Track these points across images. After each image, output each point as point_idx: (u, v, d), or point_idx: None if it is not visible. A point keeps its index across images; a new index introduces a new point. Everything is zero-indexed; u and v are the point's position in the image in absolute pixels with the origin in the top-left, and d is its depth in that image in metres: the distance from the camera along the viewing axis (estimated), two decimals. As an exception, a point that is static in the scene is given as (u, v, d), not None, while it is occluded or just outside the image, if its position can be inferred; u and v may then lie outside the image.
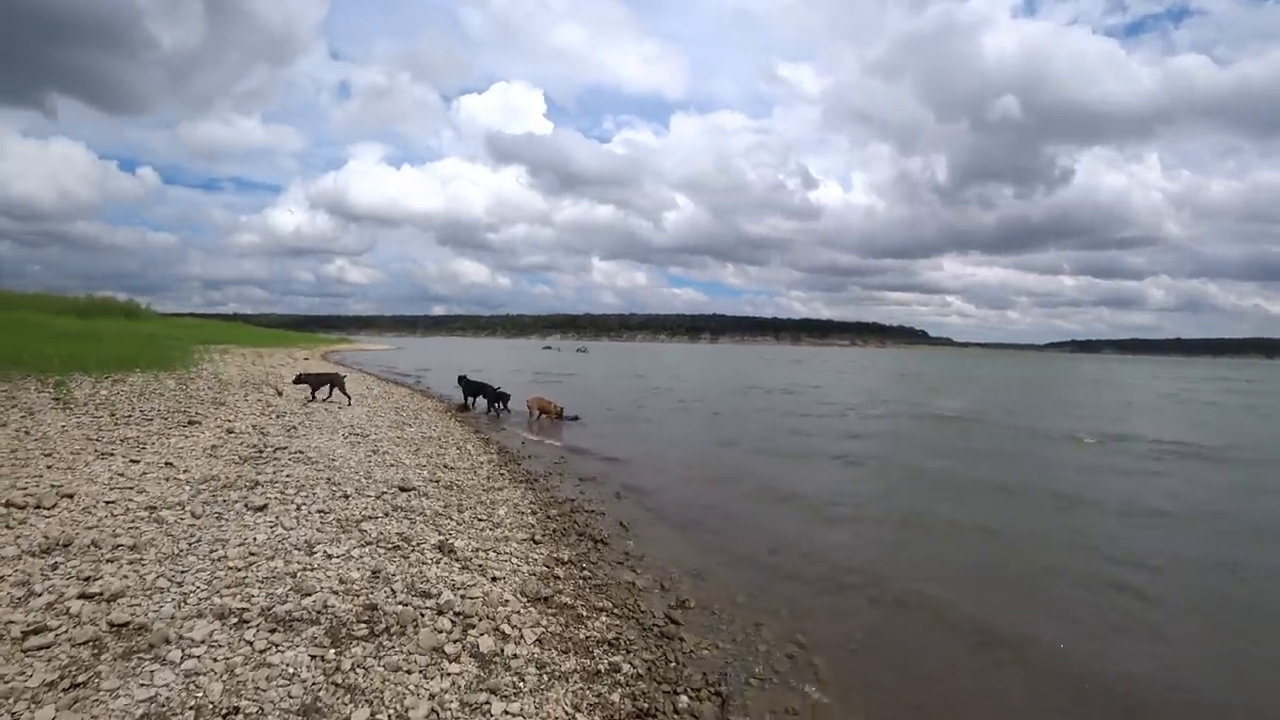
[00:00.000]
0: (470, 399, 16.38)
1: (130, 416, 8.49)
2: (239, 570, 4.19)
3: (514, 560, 5.17)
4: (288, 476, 6.49)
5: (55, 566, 4.06)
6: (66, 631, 3.35)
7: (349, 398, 13.07)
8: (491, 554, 5.21)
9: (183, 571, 4.09)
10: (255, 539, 4.74)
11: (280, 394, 12.55)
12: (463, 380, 16.52)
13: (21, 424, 7.47)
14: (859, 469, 10.24)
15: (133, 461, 6.48)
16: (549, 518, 6.68)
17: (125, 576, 3.97)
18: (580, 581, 5.01)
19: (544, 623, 4.11)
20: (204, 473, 6.33)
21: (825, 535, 6.77)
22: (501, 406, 15.84)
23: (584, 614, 4.39)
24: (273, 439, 8.18)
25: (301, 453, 7.57)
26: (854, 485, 9.03)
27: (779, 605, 5.02)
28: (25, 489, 5.36)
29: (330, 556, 4.58)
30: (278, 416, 9.98)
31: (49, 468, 6.04)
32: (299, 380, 12.77)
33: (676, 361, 61.59)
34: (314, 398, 12.67)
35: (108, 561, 4.17)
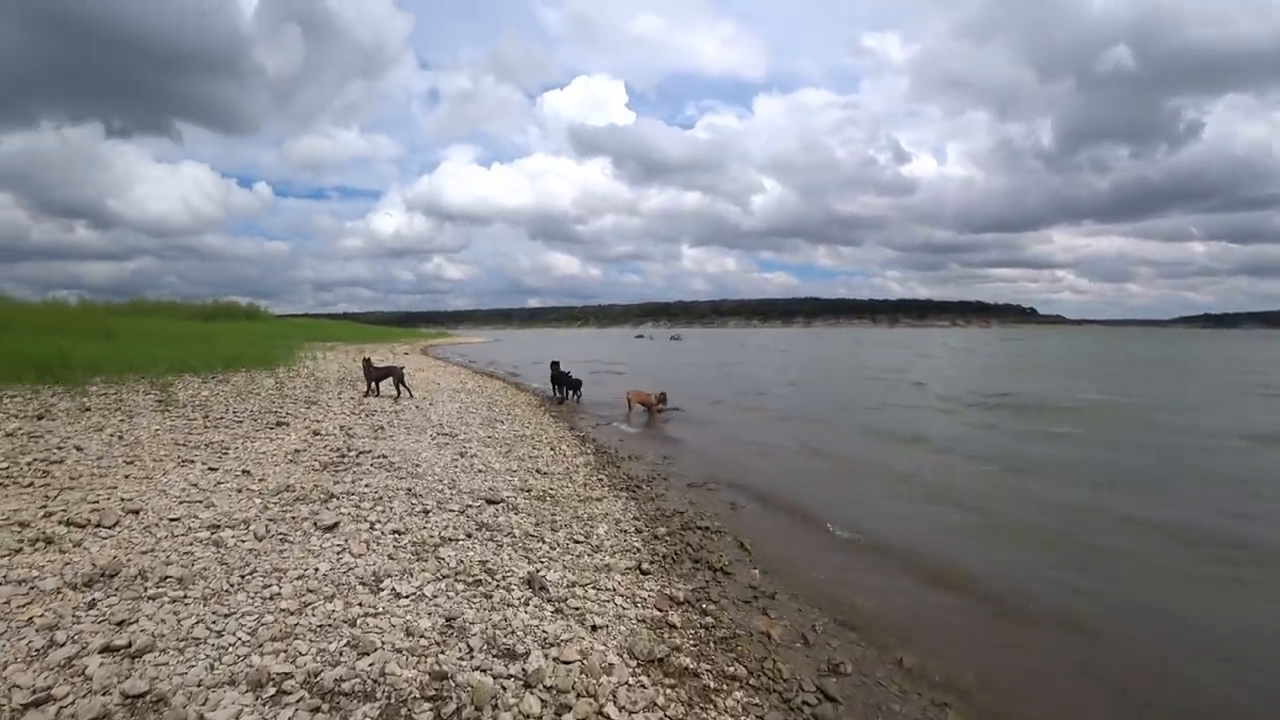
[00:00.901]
0: (557, 388, 16.22)
1: (222, 418, 8.27)
2: (291, 614, 3.45)
3: (618, 600, 4.20)
4: (366, 487, 5.85)
5: (92, 605, 3.47)
6: (72, 703, 2.67)
7: (409, 391, 12.49)
8: (590, 590, 4.27)
9: (227, 615, 3.39)
10: (317, 570, 4.02)
11: (376, 391, 12.33)
12: (554, 369, 16.18)
13: (118, 428, 7.32)
14: (1000, 499, 7.68)
15: (210, 469, 6.05)
16: (656, 537, 5.69)
17: (162, 620, 3.31)
18: (702, 631, 3.97)
19: (660, 700, 3.10)
20: (280, 481, 5.80)
21: (982, 597, 5.26)
22: (574, 394, 15.85)
23: (712, 685, 3.34)
24: (357, 441, 7.68)
25: (384, 457, 6.98)
26: (1000, 522, 6.87)
27: (962, 674, 3.78)
28: (95, 503, 4.96)
29: (399, 595, 3.78)
30: (367, 415, 9.60)
31: (126, 477, 5.69)
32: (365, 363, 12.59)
33: (772, 347, 59.01)
34: (374, 390, 12.17)
35: (149, 599, 3.54)
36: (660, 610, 4.14)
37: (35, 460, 5.93)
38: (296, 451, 6.94)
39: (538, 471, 7.40)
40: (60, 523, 4.55)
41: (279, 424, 8.22)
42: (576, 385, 15.97)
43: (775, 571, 5.25)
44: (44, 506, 4.85)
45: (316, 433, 7.93)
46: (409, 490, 5.84)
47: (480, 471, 6.94)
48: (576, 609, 3.92)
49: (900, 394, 18.59)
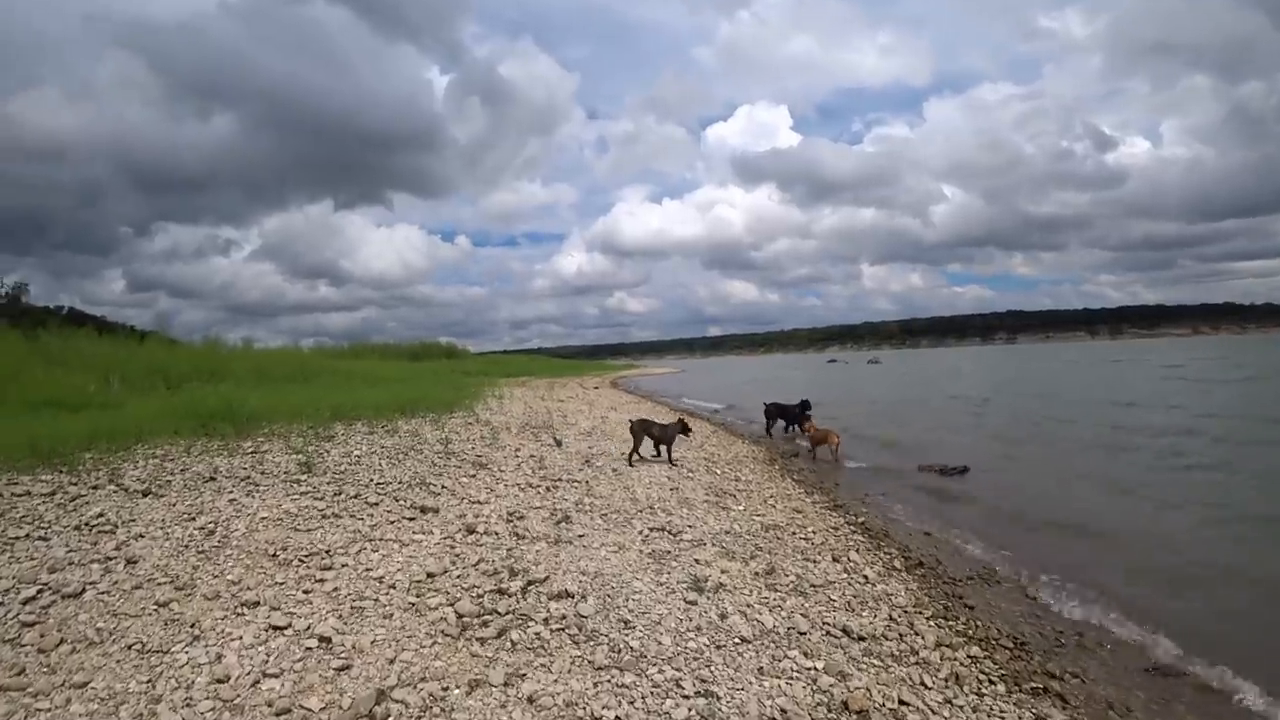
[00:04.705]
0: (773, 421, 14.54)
1: (357, 497, 5.83)
2: None
3: None
4: (528, 700, 2.74)
5: None
6: None
7: (669, 457, 9.03)
8: None
9: None
10: None
11: (559, 444, 9.64)
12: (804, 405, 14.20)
13: (218, 514, 5.09)
14: None
15: (275, 628, 3.35)
16: None
17: None
18: None
19: None
20: (374, 680, 2.90)
21: None
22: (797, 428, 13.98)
23: None
24: (529, 550, 4.73)
25: (569, 596, 3.89)
26: None
27: None
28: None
29: None
30: (548, 489, 6.74)
31: (129, 649, 3.15)
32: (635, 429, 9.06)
33: (990, 371, 47.95)
34: (639, 453, 8.92)
35: None
36: None
37: (46, 590, 3.68)
38: (429, 577, 4.10)
39: (846, 634, 3.83)
40: None
41: (423, 510, 5.55)
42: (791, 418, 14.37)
43: None
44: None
45: (471, 529, 5.11)
46: (618, 728, 2.60)
47: (744, 641, 3.55)
48: None
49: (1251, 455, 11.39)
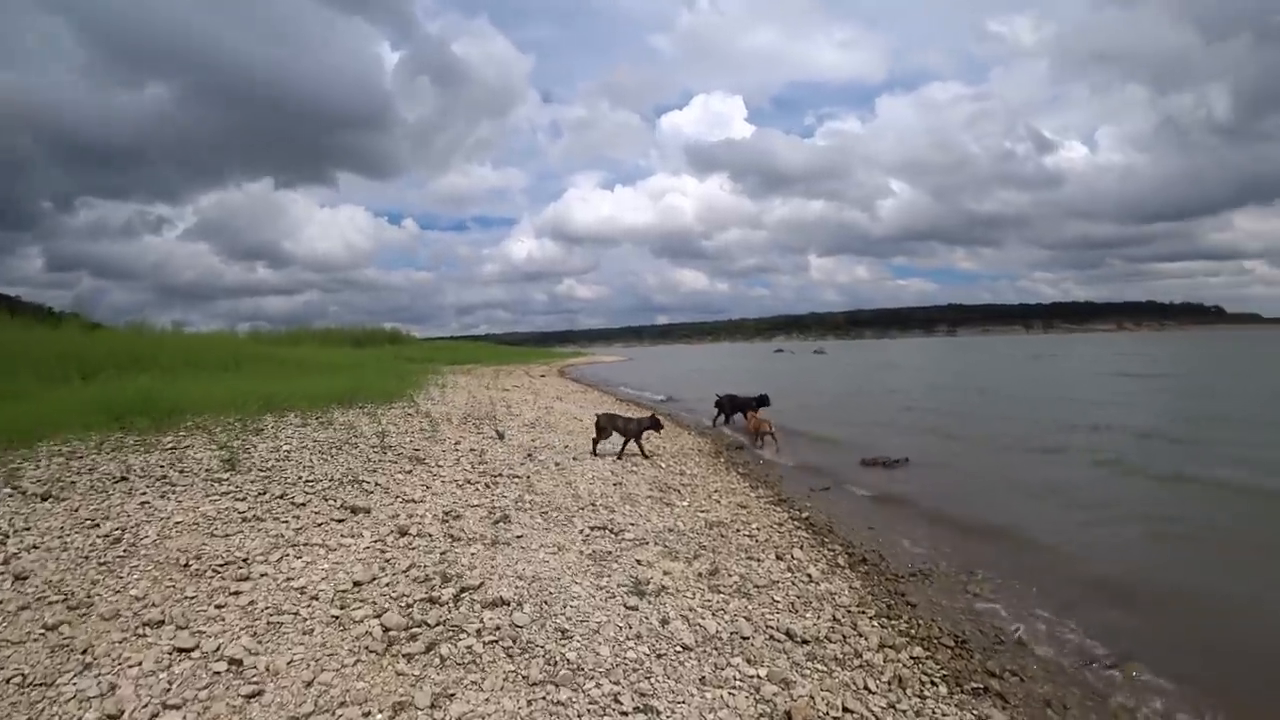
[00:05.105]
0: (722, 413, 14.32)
1: (283, 495, 5.51)
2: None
3: None
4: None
5: None
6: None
7: (644, 450, 9.11)
8: None
9: None
10: None
11: (501, 436, 9.40)
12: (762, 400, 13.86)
13: (127, 519, 4.71)
14: None
15: (180, 651, 3.08)
16: None
17: None
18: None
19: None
20: (288, 701, 2.69)
21: None
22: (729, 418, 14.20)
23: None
24: (464, 554, 4.54)
25: (504, 604, 3.74)
26: None
27: None
28: None
29: None
30: (488, 485, 6.54)
31: (8, 682, 2.83)
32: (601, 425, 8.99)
33: (932, 362, 50.15)
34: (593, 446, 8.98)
35: None
36: None
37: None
38: (356, 585, 3.87)
39: (790, 637, 3.81)
40: None
41: (354, 510, 5.28)
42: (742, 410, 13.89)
43: None
44: None
45: (403, 531, 4.88)
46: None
47: (686, 649, 3.47)
48: None
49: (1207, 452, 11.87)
